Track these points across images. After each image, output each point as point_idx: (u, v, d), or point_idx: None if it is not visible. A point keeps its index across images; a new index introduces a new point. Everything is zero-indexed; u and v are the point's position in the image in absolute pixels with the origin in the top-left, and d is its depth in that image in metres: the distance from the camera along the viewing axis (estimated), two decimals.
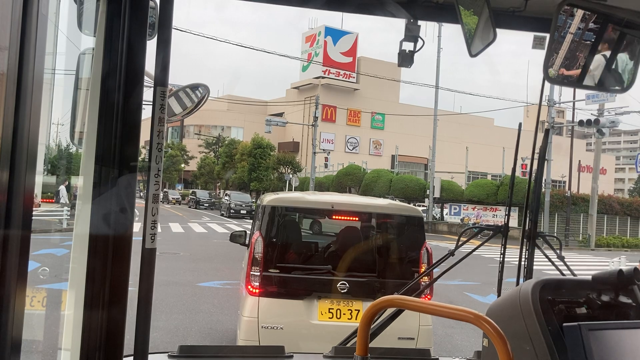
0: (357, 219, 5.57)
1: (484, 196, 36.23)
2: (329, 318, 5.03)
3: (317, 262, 5.46)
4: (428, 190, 37.19)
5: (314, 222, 9.05)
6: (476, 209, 36.57)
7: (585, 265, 19.67)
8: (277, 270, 5.13)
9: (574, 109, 35.90)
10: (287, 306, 5.06)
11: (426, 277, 4.67)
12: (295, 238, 5.65)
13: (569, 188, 36.53)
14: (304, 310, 5.04)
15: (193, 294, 10.64)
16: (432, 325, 5.28)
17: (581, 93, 30.03)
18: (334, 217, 5.57)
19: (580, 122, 26.96)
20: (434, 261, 3.92)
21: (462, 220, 36.32)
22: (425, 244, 5.36)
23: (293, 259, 5.36)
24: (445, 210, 38.35)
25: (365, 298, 5.06)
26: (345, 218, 5.51)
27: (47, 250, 8.79)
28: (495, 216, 35.76)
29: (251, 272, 5.07)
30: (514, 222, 24.75)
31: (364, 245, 5.54)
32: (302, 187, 41.69)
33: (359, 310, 5.03)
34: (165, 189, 56.48)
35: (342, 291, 5.04)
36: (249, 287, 5.07)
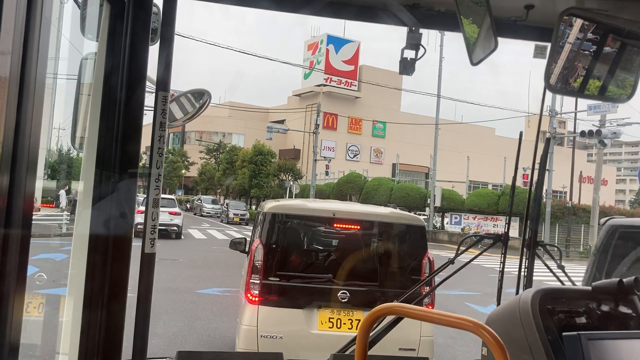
0: (358, 227, 5.50)
1: (485, 206, 36.18)
2: (329, 328, 4.98)
3: (317, 271, 5.39)
4: (429, 199, 37.16)
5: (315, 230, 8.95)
6: (477, 219, 36.50)
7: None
8: (277, 279, 5.07)
9: (575, 120, 35.94)
10: (286, 315, 5.01)
11: (427, 287, 4.64)
12: (296, 246, 5.59)
13: (570, 198, 36.49)
14: (304, 319, 4.99)
15: (192, 300, 10.59)
16: (433, 336, 5.23)
17: (583, 104, 30.09)
18: (335, 225, 5.50)
19: (582, 133, 26.96)
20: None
21: (462, 229, 36.24)
22: (428, 253, 5.31)
23: (293, 267, 5.30)
24: (446, 220, 38.30)
25: (366, 307, 5.02)
26: (347, 226, 5.44)
27: (46, 255, 8.75)
28: (495, 226, 35.68)
29: (251, 280, 5.01)
30: (514, 233, 24.70)
31: (365, 254, 5.48)
32: (303, 194, 41.66)
33: (359, 320, 4.99)
34: (225, 200, 47.88)
35: (343, 300, 4.99)
36: (249, 295, 5.02)
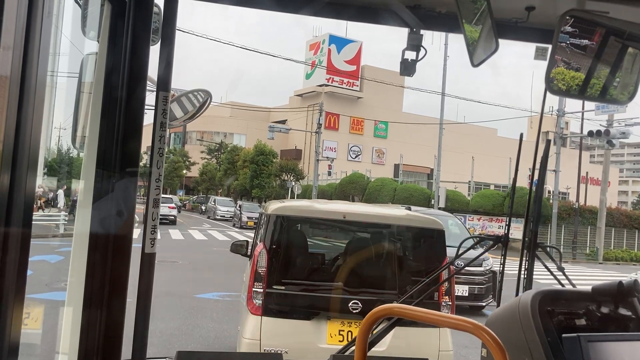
0: (371, 231, 5.11)
1: (489, 207, 36.02)
2: (339, 341, 4.53)
3: (326, 279, 4.98)
4: (433, 200, 37.04)
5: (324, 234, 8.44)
6: (482, 220, 36.41)
7: (596, 279, 19.14)
8: (282, 287, 4.67)
9: (582, 120, 35.80)
10: (292, 327, 4.62)
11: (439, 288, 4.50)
12: (303, 251, 5.18)
13: (577, 199, 36.32)
14: (311, 332, 4.61)
15: (190, 306, 10.29)
16: (452, 350, 4.86)
17: (590, 104, 29.90)
18: (346, 228, 5.12)
19: (590, 133, 26.39)
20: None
21: (467, 230, 36.10)
22: (447, 259, 4.85)
23: (300, 275, 4.91)
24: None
25: None
26: (359, 230, 5.06)
27: (41, 256, 8.64)
28: (500, 227, 35.45)
29: (253, 289, 4.62)
30: (518, 234, 24.55)
31: (378, 260, 5.12)
32: (305, 194, 41.62)
33: None
34: (239, 202, 42.51)
35: (354, 311, 4.59)
36: (251, 305, 4.63)
